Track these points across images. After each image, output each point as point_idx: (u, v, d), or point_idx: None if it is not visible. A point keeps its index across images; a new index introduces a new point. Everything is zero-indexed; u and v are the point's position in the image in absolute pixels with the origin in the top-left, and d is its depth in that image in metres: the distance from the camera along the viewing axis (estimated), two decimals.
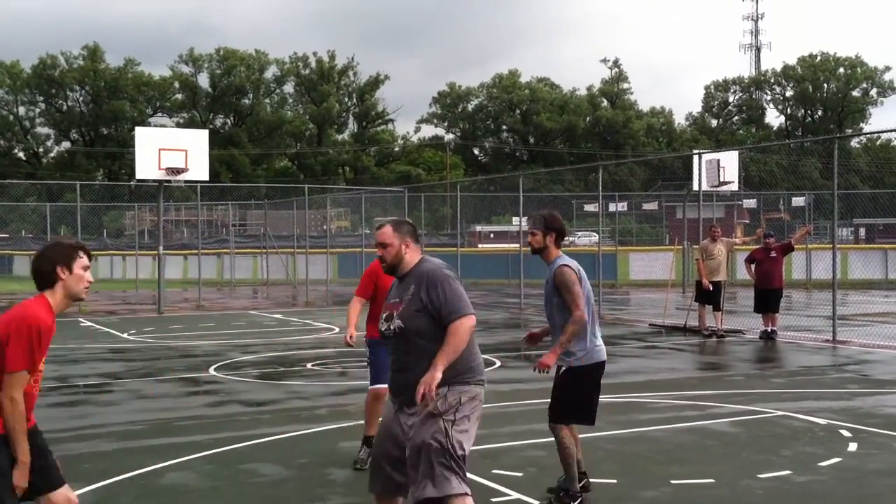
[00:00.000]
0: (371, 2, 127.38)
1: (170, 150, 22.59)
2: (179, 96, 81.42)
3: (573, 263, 6.31)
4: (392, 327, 4.74)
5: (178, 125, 74.55)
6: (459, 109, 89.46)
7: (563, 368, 6.30)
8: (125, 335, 18.07)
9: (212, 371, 12.94)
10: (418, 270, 4.81)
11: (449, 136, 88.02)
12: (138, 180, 24.60)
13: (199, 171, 23.05)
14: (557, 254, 6.36)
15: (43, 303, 4.41)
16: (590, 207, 43.61)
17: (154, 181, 23.50)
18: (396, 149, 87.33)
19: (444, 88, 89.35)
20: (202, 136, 24.24)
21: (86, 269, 4.52)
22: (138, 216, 48.29)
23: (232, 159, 75.07)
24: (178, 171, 22.71)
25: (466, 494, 4.58)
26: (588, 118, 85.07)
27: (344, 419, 9.32)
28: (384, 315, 4.84)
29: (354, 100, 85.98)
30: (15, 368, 4.19)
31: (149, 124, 68.07)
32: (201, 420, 9.51)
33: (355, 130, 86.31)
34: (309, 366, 13.41)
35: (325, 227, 39.61)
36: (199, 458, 7.77)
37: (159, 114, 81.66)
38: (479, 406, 4.77)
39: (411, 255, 4.91)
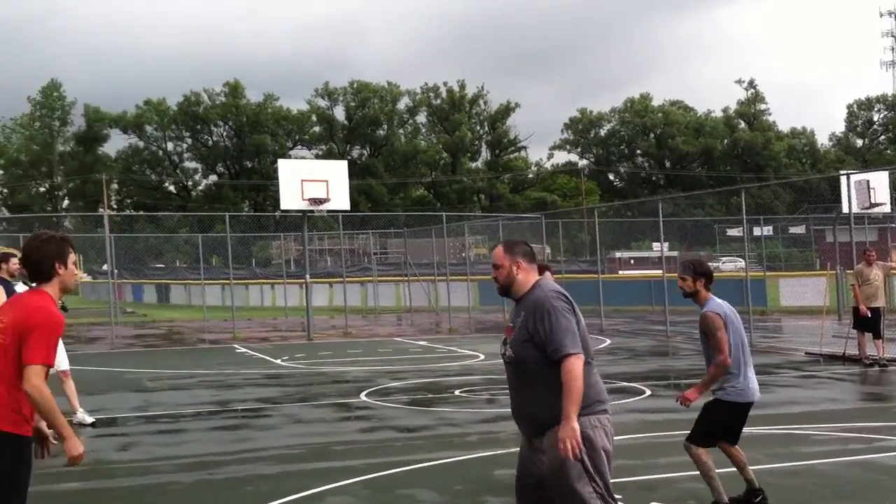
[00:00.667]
0: (500, 30, 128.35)
1: (311, 181, 23.19)
2: (317, 129, 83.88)
3: (721, 308, 6.52)
4: (506, 354, 4.66)
5: (317, 157, 76.77)
6: (592, 135, 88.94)
7: (713, 398, 6.58)
8: (278, 361, 18.60)
9: (363, 397, 13.18)
10: (530, 296, 4.62)
11: (583, 162, 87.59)
12: (283, 211, 25.36)
13: (340, 200, 23.57)
14: (708, 297, 6.56)
15: (50, 298, 4.46)
16: (733, 232, 42.53)
17: (298, 211, 24.17)
18: (530, 175, 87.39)
19: (575, 114, 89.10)
20: (342, 166, 24.79)
21: (74, 263, 4.59)
22: (284, 245, 49.75)
23: (370, 189, 76.69)
24: (320, 202, 23.29)
25: None
26: (725, 140, 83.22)
27: (496, 446, 9.33)
28: (502, 339, 4.78)
29: (486, 127, 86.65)
30: (39, 362, 4.25)
31: (290, 157, 70.24)
32: (356, 445, 9.69)
33: (488, 158, 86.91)
34: (457, 392, 13.50)
35: (463, 254, 39.88)
36: (356, 483, 7.91)
37: (299, 146, 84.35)
38: (608, 432, 4.67)
39: (524, 277, 4.70)
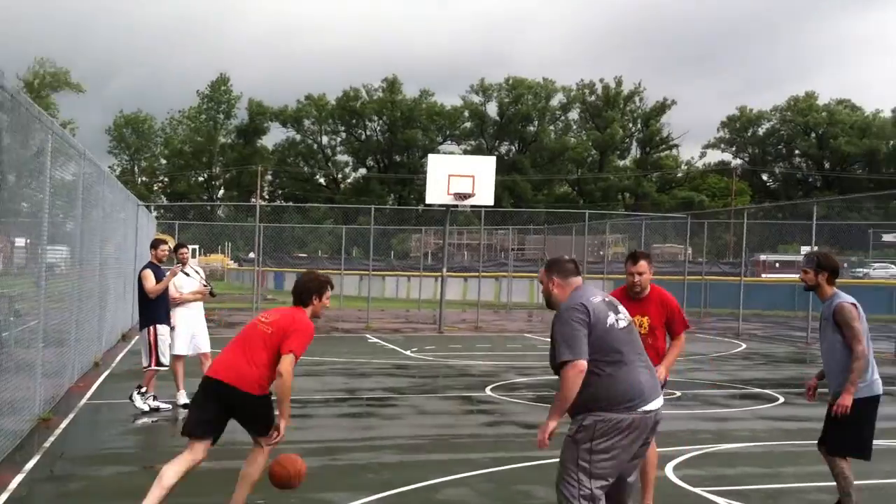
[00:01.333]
0: (662, 27, 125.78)
1: (458, 177, 23.33)
2: (468, 124, 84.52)
3: (853, 301, 6.41)
4: None
5: (466, 152, 77.47)
6: (749, 134, 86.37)
7: (852, 400, 6.33)
8: (408, 352, 18.86)
9: (488, 391, 13.23)
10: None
11: (736, 162, 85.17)
12: (426, 205, 25.64)
13: (484, 196, 23.64)
14: (833, 291, 6.48)
15: (305, 314, 6.29)
16: (889, 237, 40.62)
17: (441, 206, 24.44)
18: (679, 174, 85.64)
19: (734, 112, 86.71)
20: (489, 162, 24.82)
21: (328, 298, 6.44)
22: (424, 239, 50.41)
23: (514, 185, 76.79)
24: (465, 197, 23.43)
25: None
26: (892, 142, 79.32)
27: None
28: None
29: (639, 125, 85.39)
30: (295, 352, 6.00)
31: (438, 151, 71.15)
32: (478, 438, 9.75)
33: (638, 156, 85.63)
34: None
35: (601, 252, 39.47)
36: (476, 476, 7.96)
37: (448, 141, 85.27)
38: (622, 433, 4.84)
39: (559, 291, 5.15)
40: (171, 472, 6.01)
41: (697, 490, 7.62)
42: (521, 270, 40.62)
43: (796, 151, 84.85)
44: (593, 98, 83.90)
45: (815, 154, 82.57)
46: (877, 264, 43.73)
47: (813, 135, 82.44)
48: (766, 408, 12.06)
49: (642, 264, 6.63)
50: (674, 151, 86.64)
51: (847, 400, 6.24)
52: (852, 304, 6.35)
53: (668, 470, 8.30)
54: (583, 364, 4.80)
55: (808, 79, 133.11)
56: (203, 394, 6.20)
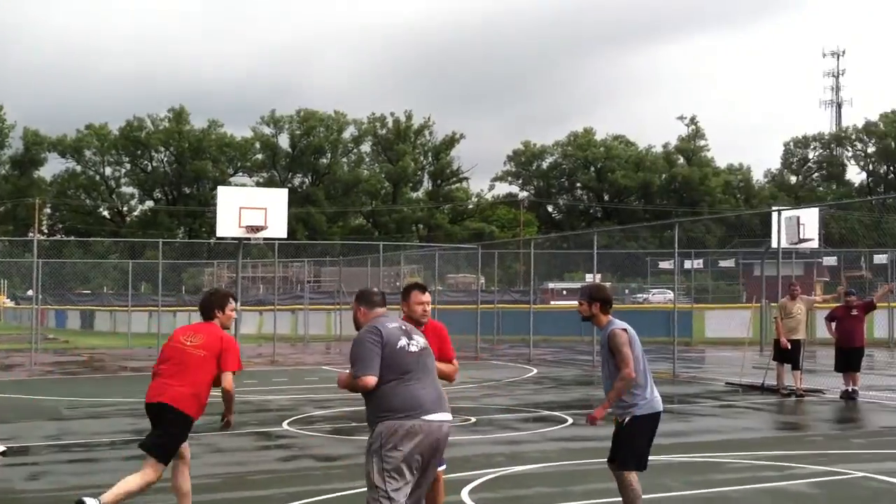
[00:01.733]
0: (449, 62, 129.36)
1: (250, 209, 22.98)
2: (260, 156, 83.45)
3: (624, 326, 6.84)
4: None
5: (258, 184, 76.34)
6: (534, 167, 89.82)
7: (627, 419, 6.76)
8: None
9: (285, 426, 13.05)
10: None
11: (523, 194, 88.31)
12: (218, 238, 25.11)
13: (277, 229, 23.41)
14: (608, 319, 6.96)
15: (219, 328, 7.13)
16: (665, 264, 43.23)
17: (233, 239, 23.98)
18: (470, 206, 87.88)
19: (518, 147, 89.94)
20: (282, 195, 24.60)
21: (231, 309, 7.20)
22: (217, 273, 49.23)
23: (308, 217, 76.38)
24: (257, 229, 23.10)
25: None
26: (664, 175, 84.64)
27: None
28: None
29: (430, 158, 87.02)
30: (234, 369, 7.03)
31: (230, 183, 69.70)
32: (274, 474, 9.59)
33: (430, 188, 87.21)
34: None
35: (398, 283, 39.87)
36: None
37: (240, 173, 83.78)
38: (405, 436, 5.41)
39: (363, 319, 5.87)
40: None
41: None
42: (317, 302, 40.37)
43: (578, 184, 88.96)
44: (384, 131, 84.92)
45: (595, 186, 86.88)
46: (654, 290, 46.38)
47: (592, 168, 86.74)
48: (555, 429, 12.50)
49: (429, 295, 6.96)
50: (464, 184, 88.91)
51: (599, 413, 6.78)
52: (622, 329, 6.78)
53: (464, 494, 8.45)
54: (371, 380, 5.43)
55: (588, 115, 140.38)
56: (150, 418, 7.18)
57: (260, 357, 27.36)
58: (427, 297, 6.91)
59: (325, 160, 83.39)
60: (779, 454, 10.47)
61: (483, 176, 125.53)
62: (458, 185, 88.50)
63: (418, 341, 5.71)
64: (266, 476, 9.47)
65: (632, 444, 6.75)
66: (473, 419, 13.58)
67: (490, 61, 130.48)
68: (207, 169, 79.15)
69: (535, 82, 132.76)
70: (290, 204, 24.72)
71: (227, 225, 23.00)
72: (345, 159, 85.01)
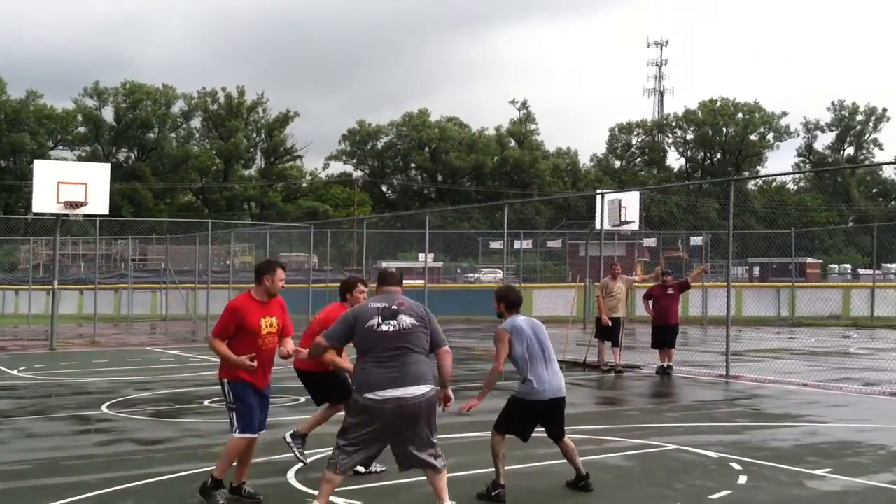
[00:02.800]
0: (286, 39, 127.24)
1: (69, 184, 22.05)
2: (82, 129, 79.83)
3: (510, 323, 7.66)
4: None
5: (80, 158, 73.09)
6: (369, 147, 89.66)
7: (512, 394, 7.80)
8: (15, 372, 17.46)
9: (104, 409, 12.58)
10: None
11: (357, 173, 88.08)
12: (35, 214, 23.95)
13: (98, 205, 22.57)
14: (508, 316, 7.79)
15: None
16: (495, 245, 44.00)
17: (52, 215, 22.91)
18: (304, 185, 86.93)
19: (354, 126, 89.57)
20: (103, 169, 23.73)
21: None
22: (33, 250, 46.88)
23: (134, 193, 73.66)
24: (76, 205, 22.17)
25: (331, 474, 6.33)
26: (496, 157, 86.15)
27: None
28: None
29: (263, 135, 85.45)
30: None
31: (49, 157, 66.40)
32: (91, 459, 9.23)
33: (263, 166, 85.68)
34: (206, 403, 13.16)
35: (227, 262, 39.06)
36: (86, 499, 7.52)
37: (61, 147, 79.89)
38: (359, 412, 6.21)
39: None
40: None
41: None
42: (142, 281, 39.08)
43: (412, 164, 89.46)
44: (216, 107, 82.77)
45: (429, 167, 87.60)
46: (485, 269, 47.22)
47: (427, 149, 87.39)
48: None
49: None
50: (298, 162, 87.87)
51: (474, 402, 7.57)
52: (503, 329, 7.58)
53: (290, 475, 8.38)
54: (321, 341, 6.54)
55: (423, 97, 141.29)
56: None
57: (80, 338, 26.29)
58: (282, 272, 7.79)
59: (152, 135, 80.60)
60: (598, 428, 10.87)
61: (317, 154, 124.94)
62: (291, 163, 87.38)
63: (399, 322, 6.31)
64: (83, 461, 9.11)
65: (502, 412, 7.82)
66: (302, 399, 13.45)
67: (327, 40, 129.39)
68: (25, 141, 75.07)
69: (371, 63, 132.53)
70: (115, 179, 23.83)
71: (45, 200, 22.03)
72: (173, 134, 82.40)
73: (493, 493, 7.49)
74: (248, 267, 46.09)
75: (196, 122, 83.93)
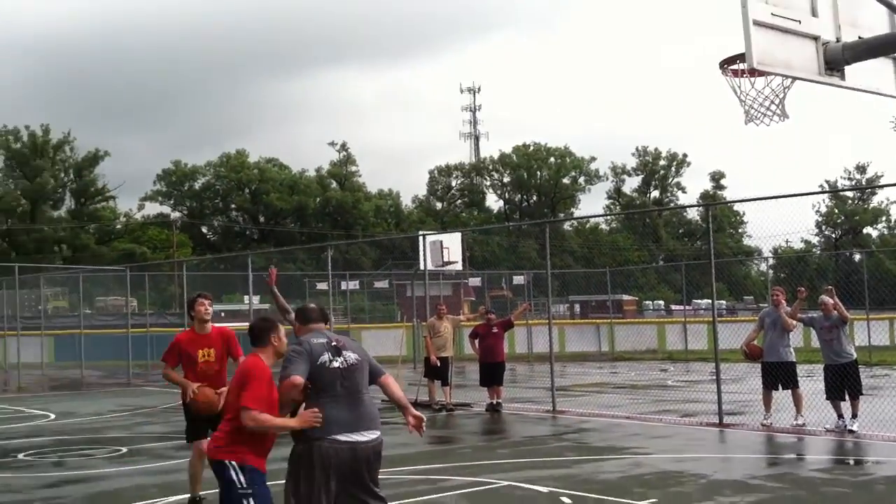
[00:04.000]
0: (93, 77, 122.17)
1: None
2: None
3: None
4: None
5: None
6: (186, 188, 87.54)
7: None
8: None
9: None
10: None
11: (175, 214, 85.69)
12: None
13: None
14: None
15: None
16: (321, 286, 43.71)
17: None
18: (119, 226, 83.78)
19: (169, 166, 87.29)
20: None
21: (202, 306, 8.77)
22: None
23: None
24: None
25: None
26: (318, 199, 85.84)
27: None
28: None
29: (72, 175, 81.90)
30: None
31: None
32: None
33: (73, 207, 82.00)
34: (21, 456, 12.39)
35: (39, 307, 37.08)
36: None
37: None
38: (314, 458, 5.67)
39: (298, 333, 6.21)
40: None
41: None
42: None
43: (232, 205, 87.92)
44: (19, 145, 78.76)
45: (250, 208, 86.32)
46: None
47: (247, 190, 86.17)
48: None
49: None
50: (111, 203, 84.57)
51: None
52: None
53: None
54: (297, 378, 5.65)
55: (241, 138, 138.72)
56: None
57: None
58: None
59: None
60: (431, 468, 10.92)
61: (131, 195, 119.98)
62: (104, 204, 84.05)
63: (346, 358, 5.91)
64: None
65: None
66: (124, 449, 12.91)
67: (136, 78, 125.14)
68: None
69: (185, 102, 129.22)
70: None
71: None
72: None
73: None
74: (62, 311, 43.96)
75: None
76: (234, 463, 5.67)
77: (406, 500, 9.00)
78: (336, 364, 5.83)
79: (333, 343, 5.94)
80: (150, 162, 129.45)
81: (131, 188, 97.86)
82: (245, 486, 5.67)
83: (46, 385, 26.17)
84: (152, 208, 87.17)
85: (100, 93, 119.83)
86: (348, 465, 5.69)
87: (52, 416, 17.52)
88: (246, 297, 29.81)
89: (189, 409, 8.75)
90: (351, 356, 5.95)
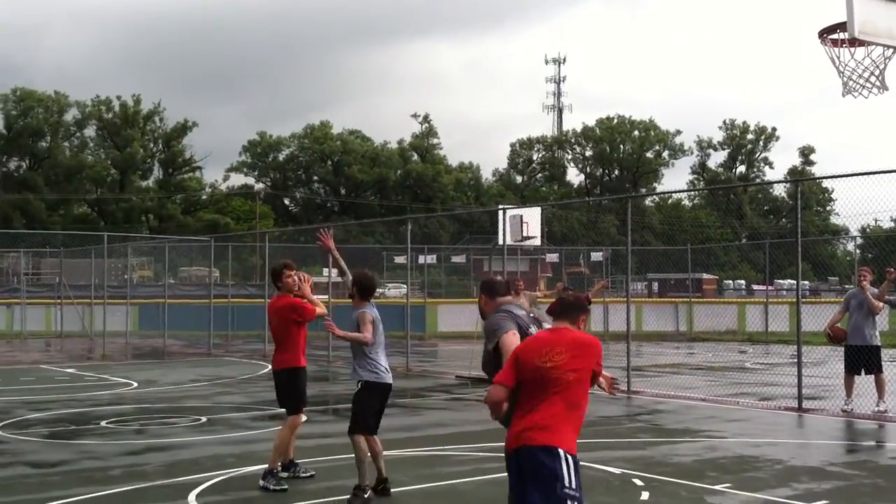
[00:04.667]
0: (183, 47, 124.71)
1: None
2: None
3: (369, 309, 8.42)
4: None
5: None
6: (270, 159, 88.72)
7: (360, 383, 8.27)
8: None
9: None
10: None
11: (259, 186, 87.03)
12: None
13: None
14: (361, 304, 8.46)
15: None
16: (400, 259, 44.00)
17: None
18: (204, 197, 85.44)
19: (255, 138, 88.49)
20: None
21: (288, 277, 9.09)
22: None
23: (26, 204, 71.29)
24: None
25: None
26: (399, 171, 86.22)
27: (139, 480, 8.93)
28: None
29: (161, 146, 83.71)
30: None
31: None
32: None
33: (160, 177, 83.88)
34: (104, 423, 12.78)
35: (126, 276, 38.08)
36: None
37: None
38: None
39: (486, 307, 6.18)
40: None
41: None
42: (35, 296, 37.81)
43: (315, 177, 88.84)
44: (110, 115, 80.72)
45: (331, 180, 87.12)
46: (391, 284, 47.16)
47: (329, 162, 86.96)
48: None
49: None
50: (197, 174, 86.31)
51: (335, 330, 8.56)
52: (366, 311, 8.37)
53: (191, 498, 8.19)
54: (514, 333, 5.68)
55: (325, 109, 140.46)
56: None
57: None
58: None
59: (44, 143, 78.14)
60: (496, 445, 10.91)
61: (217, 166, 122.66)
62: (190, 174, 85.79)
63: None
64: None
65: (358, 409, 8.18)
66: (204, 419, 13.21)
67: (226, 49, 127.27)
68: None
69: (271, 73, 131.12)
70: (5, 189, 22.95)
71: None
72: (66, 143, 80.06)
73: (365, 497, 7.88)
74: (147, 281, 45.05)
75: (90, 131, 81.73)
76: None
77: (479, 477, 9.04)
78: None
79: (532, 315, 6.28)
80: (236, 133, 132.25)
81: (217, 159, 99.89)
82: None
83: (129, 353, 26.90)
84: (237, 179, 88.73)
85: (189, 64, 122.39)
86: None
87: (135, 384, 18.00)
88: (325, 270, 30.11)
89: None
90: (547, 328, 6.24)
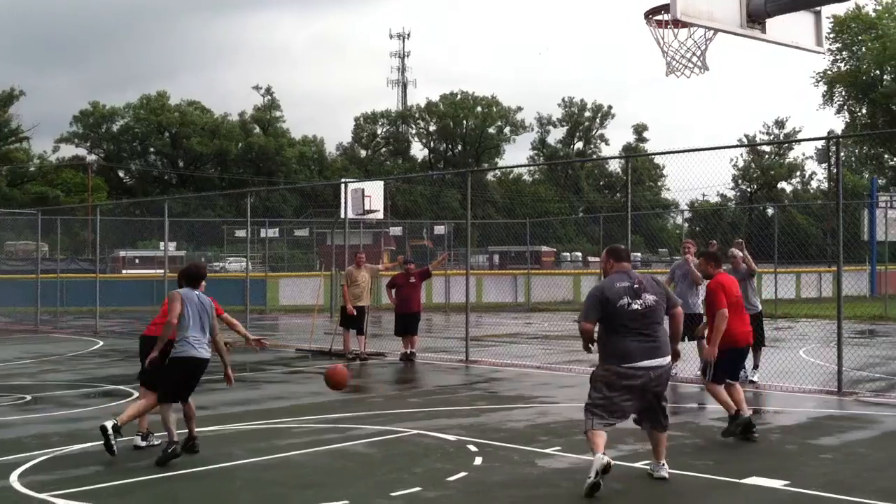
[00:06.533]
0: (8, 12, 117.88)
1: None
2: None
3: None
4: None
5: None
6: (104, 129, 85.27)
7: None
8: None
9: None
10: None
11: (91, 157, 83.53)
12: None
13: None
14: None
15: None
16: (240, 233, 43.22)
17: None
18: (32, 169, 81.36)
19: (87, 107, 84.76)
20: None
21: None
22: None
23: None
24: None
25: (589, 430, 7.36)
26: (240, 144, 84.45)
27: None
28: None
29: None
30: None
31: None
32: None
33: None
34: None
35: None
36: None
37: None
38: (614, 378, 7.20)
39: (609, 269, 7.56)
40: None
41: (43, 495, 7.32)
42: None
43: (151, 149, 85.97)
44: None
45: (169, 153, 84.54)
46: (231, 258, 46.29)
47: (167, 134, 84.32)
48: (119, 404, 11.98)
49: None
50: (24, 144, 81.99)
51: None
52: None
53: (13, 478, 7.85)
54: (587, 325, 7.25)
55: (163, 80, 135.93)
56: None
57: None
58: None
59: None
60: (342, 416, 10.95)
61: (46, 136, 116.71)
62: (17, 145, 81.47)
63: (645, 301, 7.16)
64: None
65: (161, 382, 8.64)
66: (28, 397, 12.67)
67: (58, 15, 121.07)
68: None
69: (106, 41, 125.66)
70: None
71: None
72: None
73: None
74: None
75: None
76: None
77: (315, 449, 9.03)
78: (635, 306, 7.12)
79: (635, 286, 7.20)
80: (68, 103, 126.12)
81: (47, 129, 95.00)
82: None
83: None
84: (67, 150, 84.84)
85: (16, 28, 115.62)
86: (644, 382, 7.14)
87: None
88: (161, 244, 29.30)
89: None
90: (650, 298, 7.21)
